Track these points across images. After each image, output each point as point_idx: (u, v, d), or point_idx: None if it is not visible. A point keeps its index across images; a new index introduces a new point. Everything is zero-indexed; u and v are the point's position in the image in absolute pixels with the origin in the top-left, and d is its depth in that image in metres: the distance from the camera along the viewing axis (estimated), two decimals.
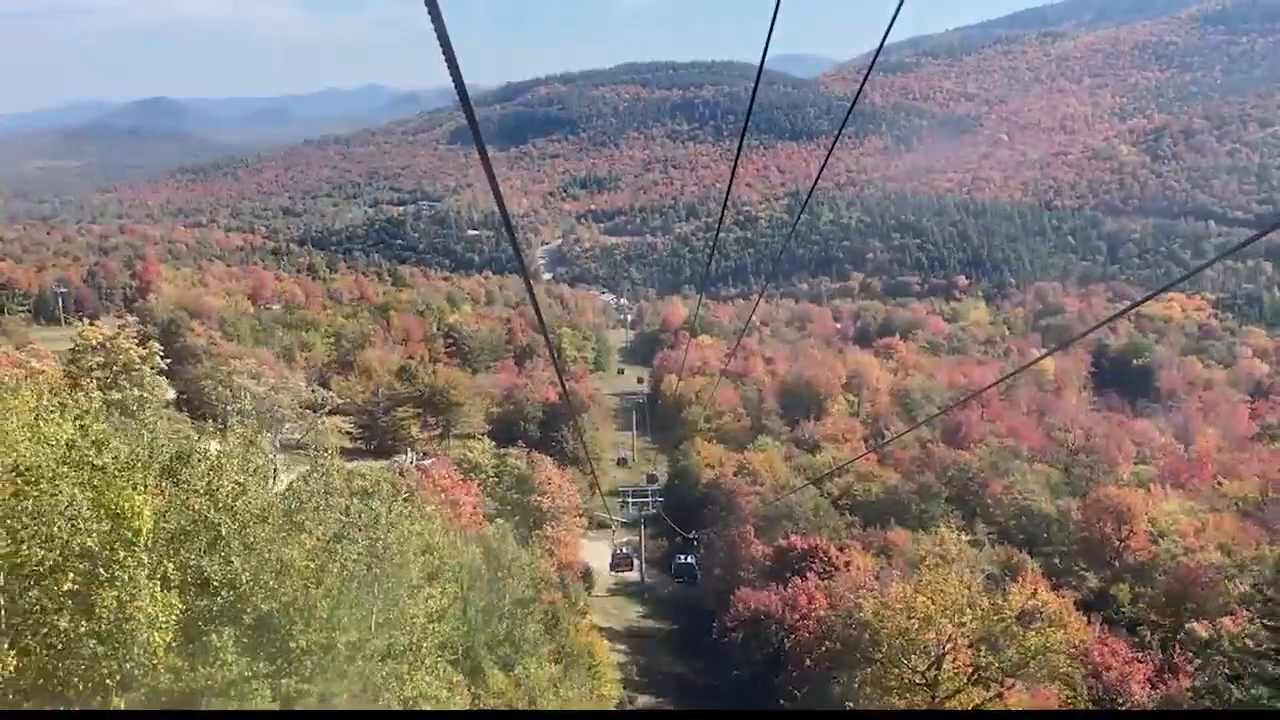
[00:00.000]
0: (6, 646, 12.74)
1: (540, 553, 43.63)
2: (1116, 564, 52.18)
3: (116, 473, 13.80)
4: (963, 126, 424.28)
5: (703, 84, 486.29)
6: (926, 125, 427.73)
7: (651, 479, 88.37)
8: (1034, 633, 27.01)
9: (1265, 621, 25.86)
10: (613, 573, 62.54)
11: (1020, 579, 42.28)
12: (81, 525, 13.07)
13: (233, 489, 15.08)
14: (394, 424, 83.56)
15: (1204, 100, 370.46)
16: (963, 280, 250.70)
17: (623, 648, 54.34)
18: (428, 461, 75.55)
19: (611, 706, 41.01)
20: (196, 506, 14.40)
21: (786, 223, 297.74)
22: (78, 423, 13.85)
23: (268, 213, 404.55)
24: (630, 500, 75.20)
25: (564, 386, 76.27)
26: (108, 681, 12.92)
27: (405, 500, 20.70)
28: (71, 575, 13.06)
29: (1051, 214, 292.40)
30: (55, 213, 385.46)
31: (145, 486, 13.98)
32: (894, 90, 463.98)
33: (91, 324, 68.41)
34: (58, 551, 12.95)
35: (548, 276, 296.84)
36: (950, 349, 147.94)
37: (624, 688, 46.22)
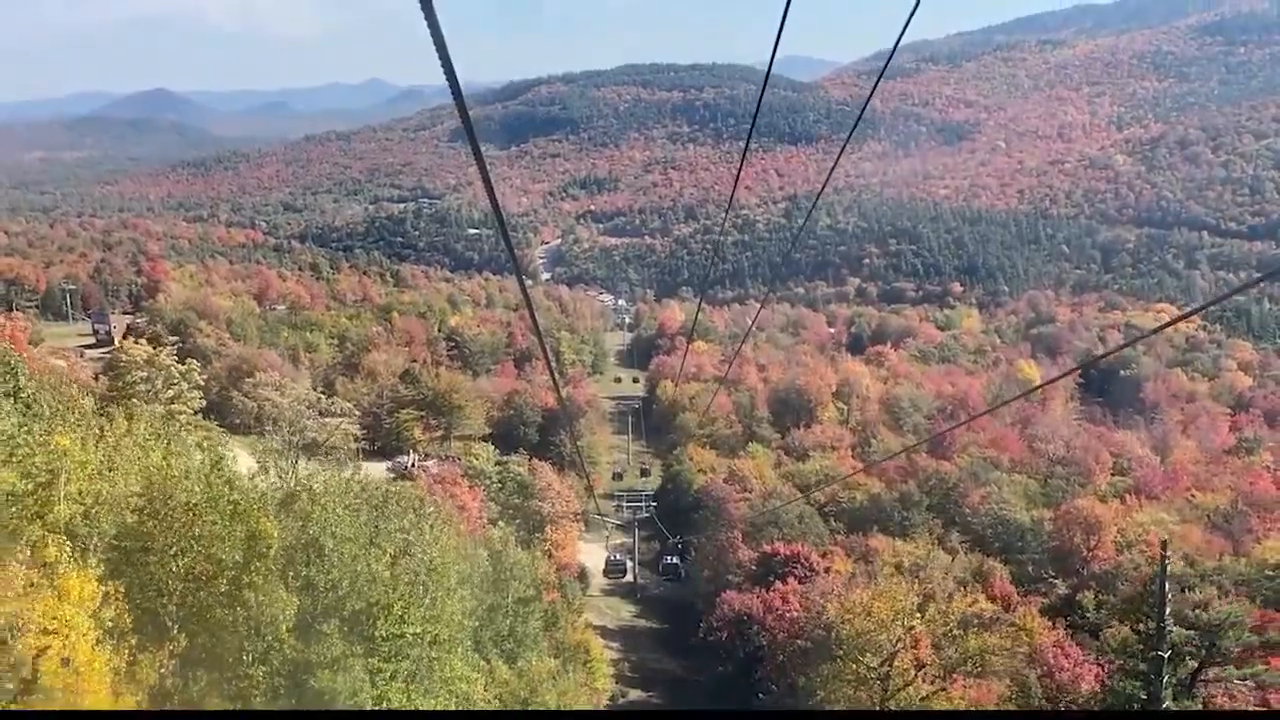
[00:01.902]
0: (177, 631, 16.35)
1: (540, 555, 46.43)
2: (1084, 572, 55.05)
3: (250, 506, 17.65)
4: (961, 133, 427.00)
5: (703, 86, 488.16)
6: (925, 131, 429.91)
7: (645, 472, 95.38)
8: (973, 636, 30.20)
9: (1132, 625, 29.11)
10: (607, 578, 66.75)
11: (988, 586, 45.31)
12: (229, 545, 17.01)
13: (334, 518, 18.67)
14: (397, 426, 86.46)
15: (1200, 111, 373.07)
16: (957, 287, 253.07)
17: (615, 645, 57.14)
18: (430, 462, 78.52)
19: (604, 700, 43.86)
20: (309, 531, 18.05)
21: (784, 226, 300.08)
22: (215, 466, 17.79)
23: (268, 208, 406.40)
24: (625, 504, 78.39)
25: (561, 397, 79.07)
26: (248, 656, 16.96)
27: (444, 521, 24.41)
28: (224, 580, 17.04)
29: (1047, 222, 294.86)
30: (56, 204, 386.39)
31: (270, 515, 17.66)
32: (893, 95, 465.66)
33: (135, 341, 71.56)
34: (214, 564, 16.92)
35: (546, 276, 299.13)
36: (940, 357, 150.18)
37: (616, 682, 49.13)
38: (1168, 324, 15.35)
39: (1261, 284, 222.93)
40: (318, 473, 23.25)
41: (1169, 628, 24.81)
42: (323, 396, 72.95)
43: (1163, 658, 24.37)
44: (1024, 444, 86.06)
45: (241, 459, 36.44)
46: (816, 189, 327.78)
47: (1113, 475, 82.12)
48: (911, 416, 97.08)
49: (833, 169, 18.21)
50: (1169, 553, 25.87)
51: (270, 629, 17.07)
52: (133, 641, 15.12)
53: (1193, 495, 73.39)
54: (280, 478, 23.54)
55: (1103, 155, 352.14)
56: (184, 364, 58.48)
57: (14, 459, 14.35)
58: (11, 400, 15.63)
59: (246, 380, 68.66)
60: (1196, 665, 28.72)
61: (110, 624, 14.59)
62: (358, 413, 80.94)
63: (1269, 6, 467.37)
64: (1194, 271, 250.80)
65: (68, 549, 13.82)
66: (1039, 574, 56.45)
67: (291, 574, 18.35)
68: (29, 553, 13.21)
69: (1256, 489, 73.58)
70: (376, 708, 18.44)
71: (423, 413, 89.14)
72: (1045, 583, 55.14)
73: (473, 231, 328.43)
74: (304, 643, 17.69)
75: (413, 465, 78.24)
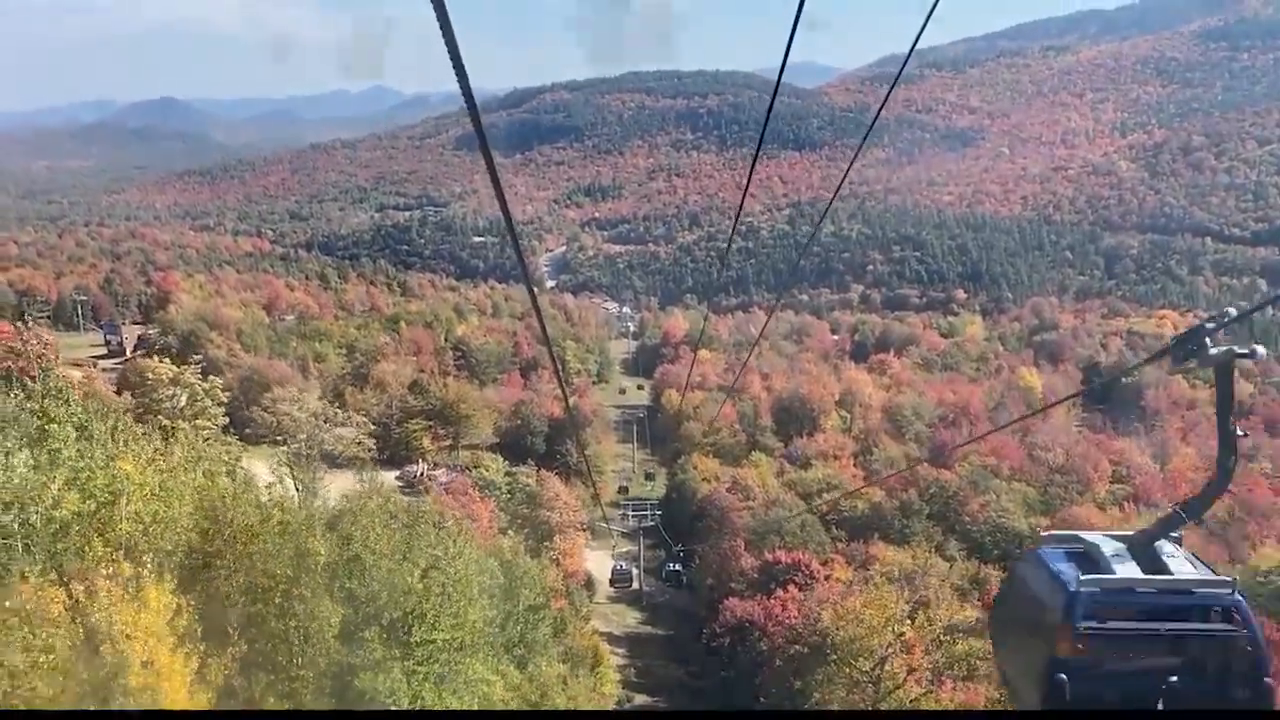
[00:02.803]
0: (238, 638, 18.24)
1: (548, 563, 47.87)
2: None
3: (299, 526, 19.71)
4: (964, 139, 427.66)
5: (707, 93, 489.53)
6: (929, 137, 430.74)
7: (649, 475, 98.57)
8: (960, 641, 31.78)
9: None
10: (613, 587, 68.51)
11: (985, 592, 46.53)
12: (279, 562, 19.07)
13: (372, 536, 20.54)
14: (406, 435, 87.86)
15: (1204, 116, 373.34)
16: (961, 294, 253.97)
17: (622, 650, 58.42)
18: (438, 471, 79.94)
19: (611, 704, 45.15)
20: (351, 548, 19.95)
21: (788, 234, 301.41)
22: (269, 490, 19.76)
23: (274, 216, 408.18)
24: (631, 513, 79.83)
25: (568, 407, 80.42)
26: (299, 660, 18.97)
27: (465, 537, 26.32)
28: (277, 593, 19.08)
29: (1050, 228, 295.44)
30: (64, 213, 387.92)
31: (318, 535, 19.31)
32: (897, 102, 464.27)
33: (148, 354, 73.72)
34: (269, 578, 18.96)
35: (551, 284, 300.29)
36: (943, 365, 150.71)
37: (623, 687, 50.40)
38: (1205, 332, 16.19)
39: (1265, 288, 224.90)
40: (356, 495, 25.40)
41: None
42: (339, 411, 74.79)
43: None
44: (1024, 452, 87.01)
45: (260, 470, 38.19)
46: (820, 195, 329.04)
47: (1112, 483, 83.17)
48: (913, 425, 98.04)
49: (842, 180, 18.74)
50: None
51: (318, 636, 19.10)
52: (202, 647, 16.99)
53: None
54: (299, 492, 25.30)
55: (1106, 161, 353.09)
56: (206, 381, 60.59)
57: (77, 481, 15.80)
58: (70, 427, 17.01)
59: (265, 395, 70.51)
60: None
61: (182, 631, 16.33)
62: (372, 425, 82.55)
63: (1273, 11, 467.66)
64: (1197, 278, 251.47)
65: (148, 565, 15.49)
66: None
67: (336, 586, 20.51)
68: (111, 568, 14.86)
69: (1254, 496, 74.53)
70: (413, 706, 20.35)
71: (431, 422, 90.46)
72: None
73: (478, 239, 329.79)
74: (348, 648, 19.87)
75: (421, 474, 79.70)
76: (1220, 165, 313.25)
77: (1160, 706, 7.35)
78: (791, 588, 46.10)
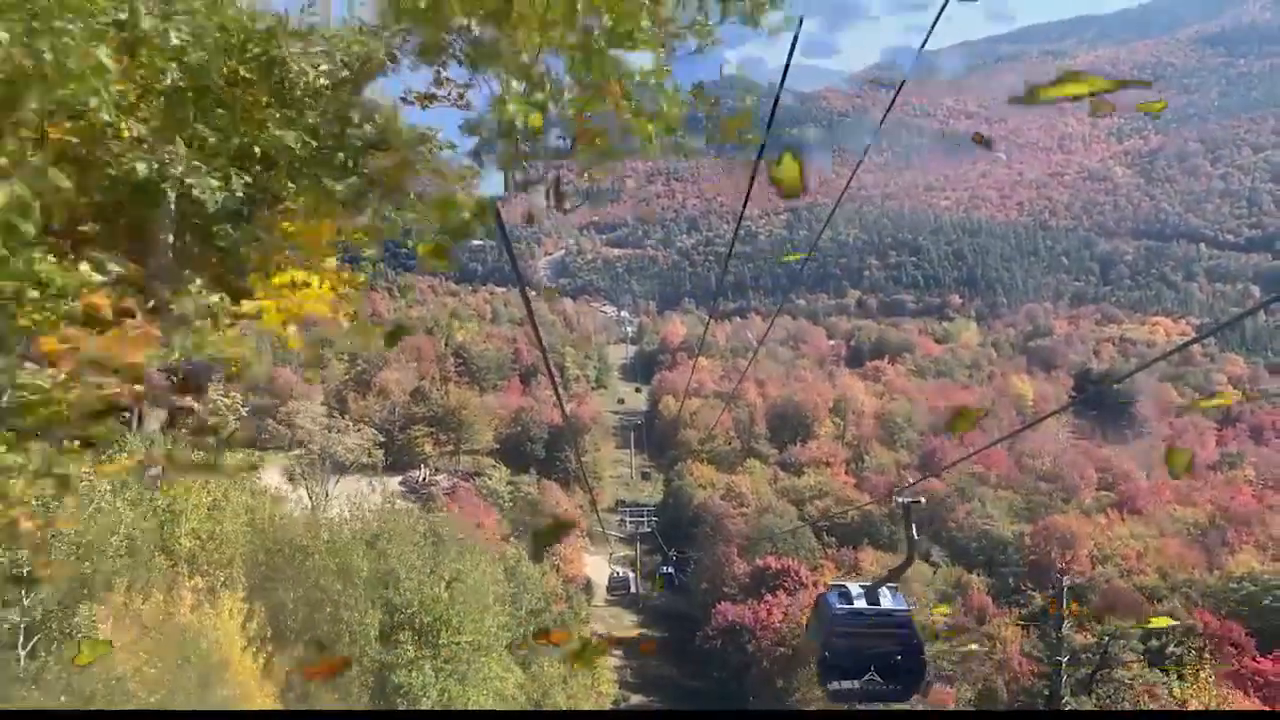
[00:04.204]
0: (294, 640, 20.94)
1: (549, 569, 50.05)
2: (1059, 585, 58.14)
3: (346, 545, 21.61)
4: (962, 144, 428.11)
5: None
6: (926, 142, 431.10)
7: (645, 475, 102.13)
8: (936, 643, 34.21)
9: (1041, 634, 33.31)
10: (611, 594, 70.71)
11: (966, 597, 48.64)
12: (327, 576, 21.80)
13: (405, 553, 23.20)
14: (409, 441, 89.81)
15: (1200, 122, 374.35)
16: (956, 299, 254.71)
17: (619, 652, 60.36)
18: (440, 477, 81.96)
19: (609, 703, 47.22)
20: (388, 564, 22.58)
21: (785, 238, 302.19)
22: (314, 514, 22.32)
23: None
24: (629, 518, 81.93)
25: (566, 417, 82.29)
26: (349, 656, 21.37)
27: (479, 552, 28.89)
28: (327, 603, 21.88)
29: (1045, 234, 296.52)
30: None
31: (361, 552, 21.68)
32: (896, 106, 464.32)
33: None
34: (320, 590, 21.85)
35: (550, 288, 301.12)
36: (937, 372, 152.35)
37: (619, 687, 52.47)
38: (1196, 339, 18.82)
39: (1258, 295, 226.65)
40: (390, 515, 28.09)
41: (1069, 636, 29.00)
42: (350, 424, 76.86)
43: (1061, 661, 28.94)
44: (1012, 460, 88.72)
45: (276, 479, 40.38)
46: (818, 200, 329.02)
47: (1098, 490, 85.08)
48: (905, 432, 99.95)
49: (847, 185, 19.33)
50: (1134, 565, 29.71)
51: (361, 639, 21.93)
52: (269, 649, 19.43)
53: (1174, 509, 76.30)
54: (318, 501, 27.70)
55: (1102, 167, 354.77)
56: (228, 397, 62.56)
57: (141, 501, 17.90)
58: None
59: (280, 408, 72.57)
60: (1092, 670, 32.82)
61: (252, 635, 18.68)
62: (381, 437, 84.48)
63: (1270, 17, 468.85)
64: (1191, 284, 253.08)
65: (220, 578, 17.84)
66: (1017, 586, 59.51)
67: (375, 596, 23.41)
68: (191, 580, 17.21)
69: (1236, 503, 76.38)
70: (440, 698, 23.13)
71: (433, 429, 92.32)
72: (1023, 595, 58.18)
73: (476, 242, 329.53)
74: (386, 649, 22.85)
75: (424, 480, 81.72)
76: (1215, 171, 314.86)
77: (872, 669, 14.65)
78: (780, 593, 48.17)
